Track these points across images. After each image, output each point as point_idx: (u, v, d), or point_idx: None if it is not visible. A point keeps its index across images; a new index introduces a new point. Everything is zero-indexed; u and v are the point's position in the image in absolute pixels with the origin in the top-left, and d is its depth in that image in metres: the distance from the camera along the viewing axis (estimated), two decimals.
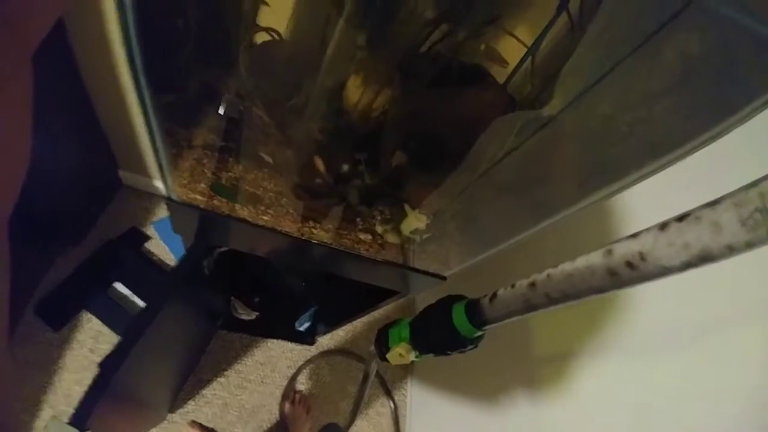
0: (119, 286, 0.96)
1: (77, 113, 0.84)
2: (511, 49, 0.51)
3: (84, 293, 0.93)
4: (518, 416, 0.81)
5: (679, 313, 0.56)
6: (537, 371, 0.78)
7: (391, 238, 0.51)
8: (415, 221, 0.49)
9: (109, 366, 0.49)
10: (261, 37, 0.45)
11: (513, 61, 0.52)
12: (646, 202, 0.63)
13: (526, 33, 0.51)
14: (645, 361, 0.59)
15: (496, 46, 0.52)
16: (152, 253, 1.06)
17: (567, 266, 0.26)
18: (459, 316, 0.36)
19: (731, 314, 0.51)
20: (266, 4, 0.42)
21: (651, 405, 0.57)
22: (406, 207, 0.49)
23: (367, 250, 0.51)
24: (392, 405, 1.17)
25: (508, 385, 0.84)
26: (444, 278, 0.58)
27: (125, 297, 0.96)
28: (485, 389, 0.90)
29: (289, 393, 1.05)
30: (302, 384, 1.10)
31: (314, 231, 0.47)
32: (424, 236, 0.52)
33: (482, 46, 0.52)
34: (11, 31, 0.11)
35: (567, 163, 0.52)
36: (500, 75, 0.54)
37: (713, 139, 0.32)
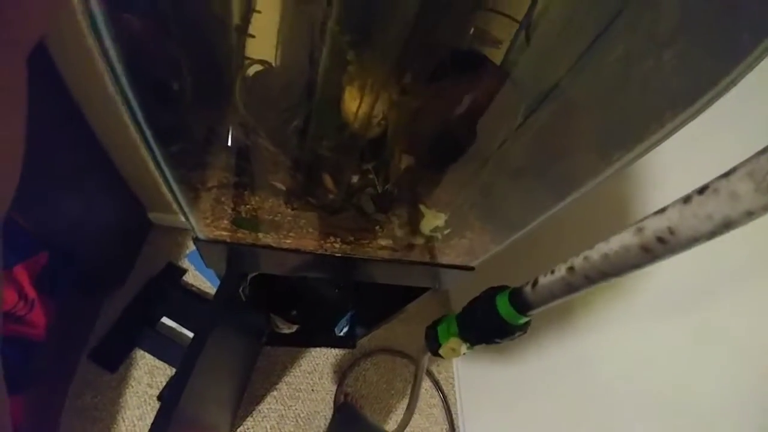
0: (166, 320, 1.02)
1: (98, 169, 0.90)
2: (504, 26, 0.50)
3: (134, 332, 0.99)
4: (564, 381, 0.80)
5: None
6: (580, 335, 0.77)
7: (412, 239, 0.51)
8: (433, 220, 0.49)
9: (169, 397, 0.52)
10: (254, 69, 0.45)
11: (507, 39, 0.51)
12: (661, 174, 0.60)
13: (515, 7, 0.49)
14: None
15: (487, 27, 0.50)
16: (191, 284, 1.11)
17: (602, 247, 0.28)
18: (503, 305, 0.38)
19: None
20: (252, 36, 0.42)
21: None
22: (422, 207, 0.49)
23: (390, 255, 0.52)
24: (441, 395, 1.18)
25: (552, 352, 0.83)
26: (472, 269, 0.58)
27: (173, 330, 1.01)
28: (529, 361, 0.89)
29: (340, 397, 1.08)
30: (350, 387, 1.13)
31: (336, 245, 0.48)
32: (446, 232, 0.52)
33: (471, 30, 0.51)
34: (3, 32, 0.11)
35: (580, 132, 0.51)
36: (496, 56, 0.52)
37: (733, 84, 0.30)
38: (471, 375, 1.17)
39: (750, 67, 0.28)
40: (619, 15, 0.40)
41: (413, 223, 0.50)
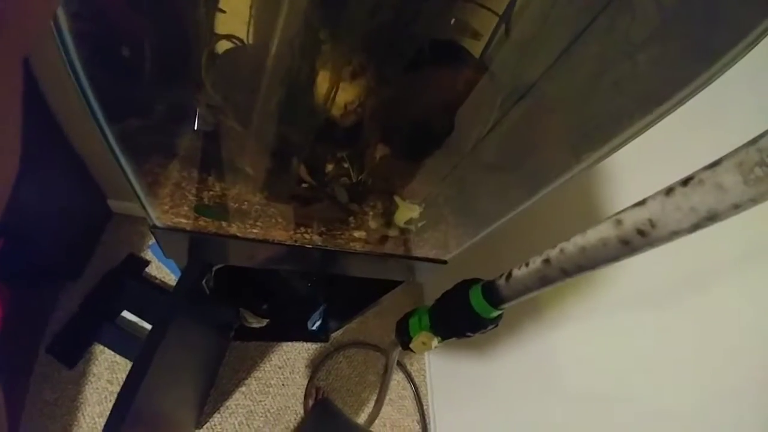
0: (126, 314, 0.96)
1: (55, 150, 0.83)
2: (484, 19, 0.49)
3: (93, 326, 0.93)
4: (532, 374, 0.82)
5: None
6: (548, 330, 0.79)
7: (386, 231, 0.50)
8: (407, 212, 0.48)
9: (125, 393, 0.49)
10: (222, 47, 0.43)
11: (487, 32, 0.50)
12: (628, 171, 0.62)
13: (497, 2, 0.49)
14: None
15: (467, 18, 0.50)
16: (154, 276, 1.06)
17: (579, 240, 0.27)
18: (476, 298, 0.37)
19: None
20: (222, 11, 0.40)
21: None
22: (397, 199, 0.48)
23: (364, 247, 0.51)
24: (413, 387, 1.19)
25: (522, 346, 0.85)
26: (445, 262, 0.58)
27: (134, 324, 0.96)
28: (500, 353, 0.91)
29: (311, 391, 1.07)
30: (322, 381, 1.11)
31: (306, 236, 0.46)
32: (420, 224, 0.52)
33: (452, 21, 0.50)
34: (1, 33, 0.10)
35: (555, 129, 0.51)
36: (475, 48, 0.52)
37: (701, 87, 0.31)
38: (442, 367, 1.19)
39: (722, 70, 0.28)
40: (598, 15, 0.40)
41: (387, 215, 0.49)
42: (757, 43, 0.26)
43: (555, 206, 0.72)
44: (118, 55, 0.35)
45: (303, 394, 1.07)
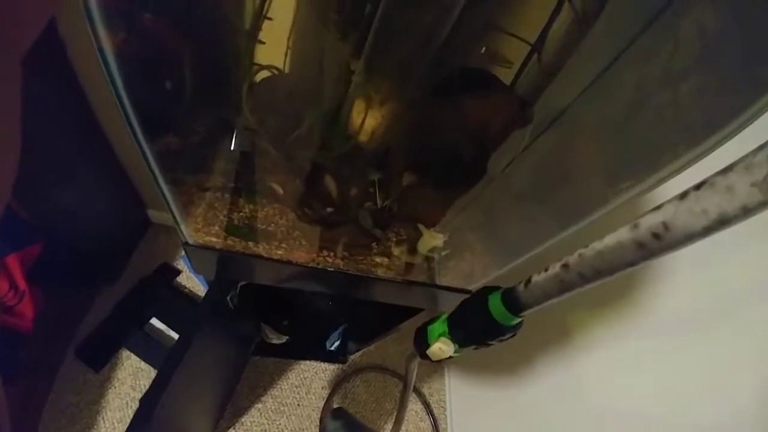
0: (155, 322, 1.00)
1: (99, 159, 0.89)
2: (515, 48, 0.49)
3: (122, 332, 0.97)
4: (558, 406, 0.77)
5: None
6: (575, 358, 0.73)
7: (409, 258, 0.49)
8: (431, 240, 0.47)
9: (147, 401, 0.50)
10: (262, 75, 0.45)
11: (518, 61, 0.50)
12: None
13: (528, 30, 0.49)
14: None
15: (499, 47, 0.50)
16: (184, 285, 1.09)
17: (597, 244, 0.27)
18: (495, 304, 0.37)
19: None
20: (262, 42, 0.42)
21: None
22: (421, 227, 0.48)
23: (386, 273, 0.50)
24: (432, 419, 1.14)
25: (547, 375, 0.80)
26: (469, 292, 0.56)
27: (161, 332, 0.99)
28: (524, 384, 0.86)
29: (327, 414, 1.04)
30: (338, 404, 1.09)
31: (329, 259, 0.46)
32: (443, 253, 0.50)
33: (483, 49, 0.50)
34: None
35: (588, 159, 0.49)
36: (506, 77, 0.51)
37: (749, 121, 0.29)
38: (463, 398, 1.13)
39: None
40: (632, 44, 0.39)
41: (410, 242, 0.48)
42: None
43: (592, 235, 0.69)
44: (161, 79, 0.38)
45: (318, 417, 1.05)
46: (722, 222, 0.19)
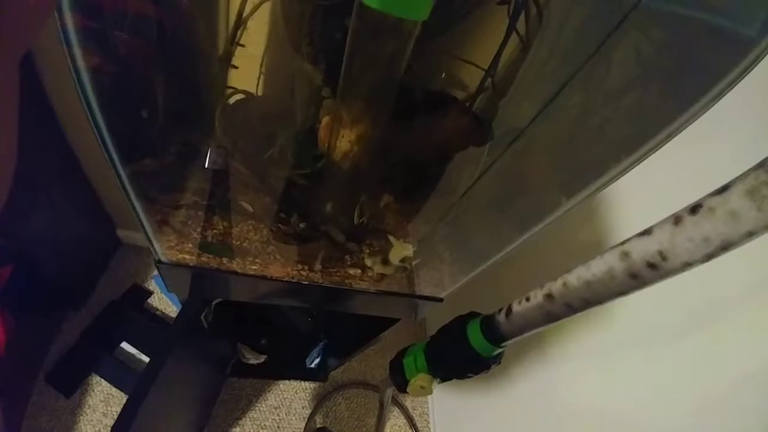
0: (126, 346, 0.96)
1: (68, 179, 0.87)
2: (470, 73, 0.54)
3: (91, 357, 0.93)
4: (544, 415, 0.78)
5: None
6: (552, 366, 0.76)
7: (381, 269, 0.51)
8: (401, 250, 0.50)
9: (117, 427, 0.49)
10: (234, 98, 0.47)
11: (474, 85, 0.54)
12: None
13: (481, 56, 0.53)
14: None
15: (456, 72, 0.54)
16: (155, 308, 1.06)
17: (583, 273, 0.26)
18: (475, 335, 0.35)
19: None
20: (235, 67, 0.44)
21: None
22: (391, 238, 0.50)
23: (360, 284, 0.52)
24: None
25: (530, 385, 0.82)
26: (440, 300, 0.59)
27: (132, 356, 0.96)
28: (509, 396, 0.88)
29: None
30: (320, 423, 1.07)
31: (303, 273, 0.48)
32: (414, 263, 0.53)
33: (443, 75, 0.55)
34: None
35: (542, 171, 0.54)
36: (464, 99, 0.56)
37: (682, 127, 0.33)
38: (446, 410, 1.13)
39: (699, 113, 0.30)
40: (580, 70, 0.44)
41: (383, 253, 0.50)
42: (731, 89, 0.27)
43: (553, 235, 0.73)
44: (136, 102, 0.39)
45: None
46: (725, 248, 0.18)
